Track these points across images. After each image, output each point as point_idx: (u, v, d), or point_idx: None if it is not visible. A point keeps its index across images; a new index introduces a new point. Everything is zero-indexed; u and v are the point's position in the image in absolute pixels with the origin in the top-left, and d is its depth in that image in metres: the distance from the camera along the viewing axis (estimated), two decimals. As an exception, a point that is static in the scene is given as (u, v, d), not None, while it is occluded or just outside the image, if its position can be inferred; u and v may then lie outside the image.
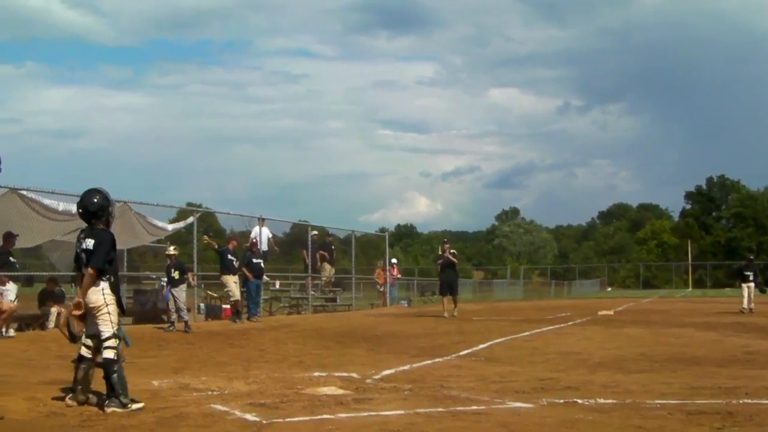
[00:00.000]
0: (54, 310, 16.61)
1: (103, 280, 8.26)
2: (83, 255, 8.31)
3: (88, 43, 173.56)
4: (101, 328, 8.22)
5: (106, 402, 8.06)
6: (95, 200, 8.46)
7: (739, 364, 12.63)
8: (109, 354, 8.11)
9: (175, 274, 18.96)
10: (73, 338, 8.44)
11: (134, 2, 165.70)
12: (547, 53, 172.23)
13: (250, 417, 7.75)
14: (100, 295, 8.22)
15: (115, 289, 8.44)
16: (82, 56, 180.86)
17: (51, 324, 16.84)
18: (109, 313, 8.22)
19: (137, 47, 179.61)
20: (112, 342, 8.15)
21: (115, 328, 8.23)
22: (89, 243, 8.29)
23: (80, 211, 8.56)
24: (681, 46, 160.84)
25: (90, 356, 8.28)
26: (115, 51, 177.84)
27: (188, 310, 19.65)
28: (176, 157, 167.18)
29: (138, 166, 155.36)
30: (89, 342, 8.31)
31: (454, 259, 26.82)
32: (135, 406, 8.03)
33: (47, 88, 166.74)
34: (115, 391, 8.04)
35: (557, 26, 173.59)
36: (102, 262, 8.28)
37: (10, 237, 16.28)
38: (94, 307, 8.22)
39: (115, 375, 8.04)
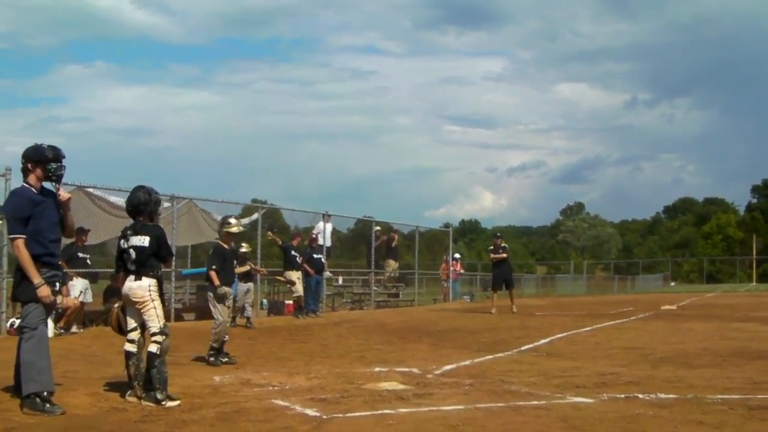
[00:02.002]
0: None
1: (148, 276, 8.36)
2: (132, 251, 8.38)
3: (157, 42, 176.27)
4: (149, 323, 8.33)
5: (143, 395, 8.17)
6: (137, 195, 8.61)
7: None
8: (152, 348, 8.23)
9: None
10: (122, 332, 8.59)
11: (202, 1, 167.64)
12: (616, 48, 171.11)
13: (310, 412, 7.76)
14: (146, 291, 8.32)
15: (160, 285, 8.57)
16: (152, 55, 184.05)
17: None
18: (154, 308, 8.31)
19: (206, 46, 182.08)
20: (158, 337, 8.24)
21: (161, 323, 8.33)
22: (140, 240, 8.39)
23: (129, 209, 8.70)
24: (750, 40, 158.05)
25: (135, 350, 8.39)
26: (185, 49, 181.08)
27: (251, 306, 19.74)
28: (245, 154, 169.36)
29: (207, 163, 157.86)
30: (132, 336, 8.42)
31: (504, 254, 26.11)
32: (170, 403, 8.06)
33: (117, 87, 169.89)
34: (152, 385, 8.12)
35: (627, 20, 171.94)
36: (171, 252, 8.95)
37: (81, 232, 16.31)
38: (139, 302, 8.32)
39: (154, 370, 8.13)
